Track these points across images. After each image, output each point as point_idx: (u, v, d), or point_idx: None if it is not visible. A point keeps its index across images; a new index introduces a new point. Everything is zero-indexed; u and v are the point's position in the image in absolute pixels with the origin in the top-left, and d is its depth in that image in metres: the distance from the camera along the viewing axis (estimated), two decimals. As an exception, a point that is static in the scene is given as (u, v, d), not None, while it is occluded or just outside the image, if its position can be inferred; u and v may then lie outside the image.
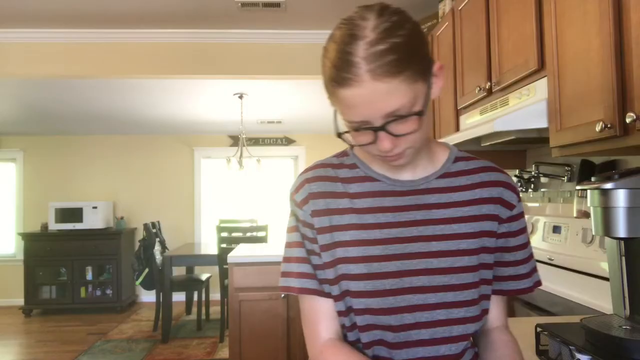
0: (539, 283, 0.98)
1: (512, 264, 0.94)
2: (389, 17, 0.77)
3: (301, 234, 0.91)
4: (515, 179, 2.30)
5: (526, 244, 0.95)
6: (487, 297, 0.90)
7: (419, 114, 0.77)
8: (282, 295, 3.09)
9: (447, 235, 0.87)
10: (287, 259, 0.93)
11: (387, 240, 0.86)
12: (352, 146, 0.92)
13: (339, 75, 0.76)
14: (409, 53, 0.75)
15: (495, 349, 0.91)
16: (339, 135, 0.84)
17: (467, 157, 0.95)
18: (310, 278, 0.89)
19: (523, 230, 0.95)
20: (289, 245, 0.93)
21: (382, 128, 0.77)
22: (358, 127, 0.79)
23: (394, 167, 0.87)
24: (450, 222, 0.88)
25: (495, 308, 0.95)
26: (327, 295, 0.88)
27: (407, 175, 0.90)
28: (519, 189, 2.25)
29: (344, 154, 0.96)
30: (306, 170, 0.94)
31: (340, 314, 0.88)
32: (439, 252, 0.86)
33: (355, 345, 0.88)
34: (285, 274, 0.92)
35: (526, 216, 2.19)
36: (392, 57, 0.73)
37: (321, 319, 0.89)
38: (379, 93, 0.74)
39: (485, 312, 0.90)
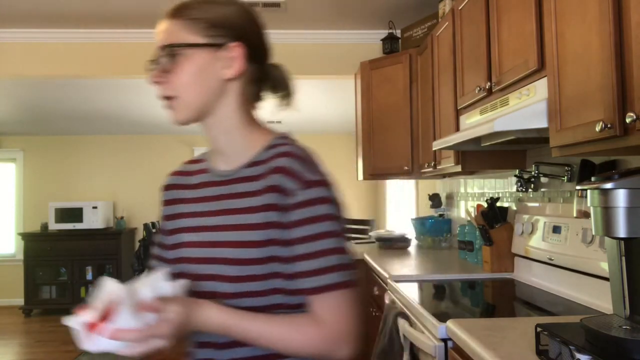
0: (329, 287, 0.82)
1: (294, 259, 0.84)
2: None
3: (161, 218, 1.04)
4: (515, 179, 2.30)
5: (310, 238, 0.83)
6: (283, 292, 0.85)
7: (177, 50, 0.85)
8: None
9: (240, 225, 0.87)
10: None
11: (194, 229, 0.93)
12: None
13: (166, 11, 0.89)
14: (198, 5, 0.88)
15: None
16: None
17: (283, 144, 0.91)
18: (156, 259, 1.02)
19: (306, 221, 0.83)
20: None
21: (155, 59, 0.87)
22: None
23: (171, 116, 0.90)
24: (243, 212, 0.87)
25: (314, 310, 0.85)
26: None
27: (222, 166, 0.95)
28: (520, 188, 2.25)
29: (204, 155, 1.04)
30: (172, 173, 1.07)
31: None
32: (233, 242, 0.87)
33: None
34: None
35: (526, 216, 2.19)
36: (183, 3, 0.88)
37: None
38: (163, 28, 0.88)
39: (278, 306, 0.85)
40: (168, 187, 1.03)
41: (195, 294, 0.87)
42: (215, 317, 0.82)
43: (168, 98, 0.88)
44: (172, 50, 0.85)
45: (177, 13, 0.87)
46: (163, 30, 0.88)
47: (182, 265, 0.93)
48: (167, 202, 1.02)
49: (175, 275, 0.90)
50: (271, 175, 0.86)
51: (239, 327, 0.82)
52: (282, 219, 0.85)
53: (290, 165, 0.86)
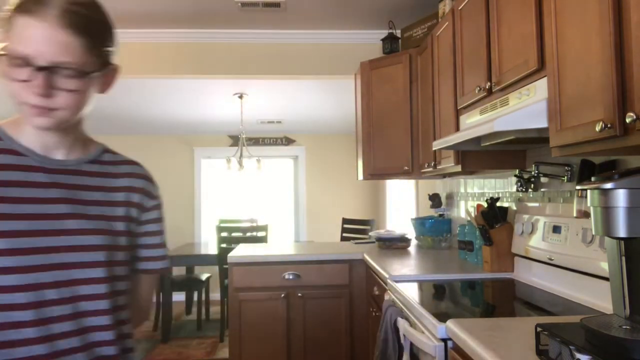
0: (165, 270, 1.09)
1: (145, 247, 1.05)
2: (94, 1, 0.91)
3: None
4: (515, 179, 2.30)
5: (161, 232, 1.07)
6: (119, 279, 0.96)
7: (83, 76, 0.84)
8: (282, 294, 3.09)
9: (99, 215, 0.93)
10: None
11: (35, 216, 0.86)
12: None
13: (28, 3, 0.81)
14: (97, 27, 0.88)
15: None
16: None
17: (114, 152, 1.05)
18: None
19: (158, 220, 1.07)
20: None
21: (47, 69, 0.81)
22: (21, 62, 0.80)
23: (38, 125, 0.86)
24: (102, 204, 0.95)
25: (142, 285, 1.08)
26: None
27: (59, 155, 0.93)
28: (520, 188, 2.26)
29: None
30: None
31: None
32: (91, 230, 0.90)
33: None
34: None
35: (526, 216, 2.19)
36: (82, 18, 0.84)
37: None
38: (59, 38, 0.81)
39: (116, 293, 0.94)
40: None
41: (35, 286, 0.84)
42: None
43: (47, 108, 0.85)
44: (73, 73, 0.85)
45: (78, 30, 0.85)
46: (60, 43, 0.83)
47: (8, 259, 0.83)
48: None
49: None
50: (139, 179, 1.04)
51: None
52: (140, 215, 1.02)
53: (149, 174, 1.09)
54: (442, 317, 1.54)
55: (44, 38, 0.80)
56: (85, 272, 0.89)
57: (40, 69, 0.81)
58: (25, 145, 0.90)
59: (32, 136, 0.90)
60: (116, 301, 0.95)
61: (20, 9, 0.81)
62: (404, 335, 1.77)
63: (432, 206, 3.48)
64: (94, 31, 0.87)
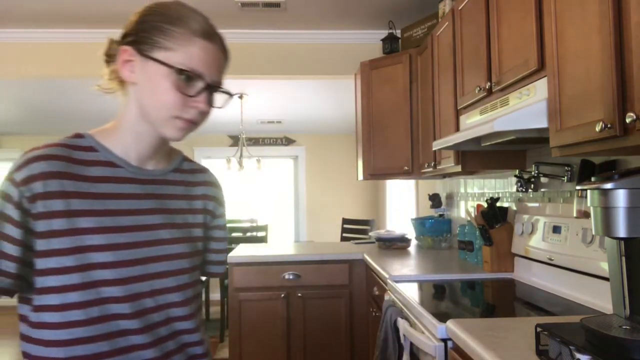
0: (222, 274, 1.18)
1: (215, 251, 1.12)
2: None
3: (2, 220, 0.83)
4: (515, 179, 2.30)
5: (225, 239, 1.14)
6: (198, 283, 1.04)
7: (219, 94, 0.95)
8: (282, 295, 3.09)
9: (183, 224, 0.98)
10: None
11: (133, 228, 0.89)
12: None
13: (202, 27, 0.90)
14: None
15: None
16: (154, 59, 0.87)
17: (190, 160, 1.10)
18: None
19: (224, 227, 1.13)
20: None
21: (215, 89, 0.92)
22: (194, 78, 0.88)
23: (176, 138, 0.92)
24: (186, 212, 1.00)
25: None
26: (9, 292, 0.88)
27: (150, 165, 0.97)
28: (520, 188, 2.26)
29: (77, 135, 0.93)
30: (34, 149, 0.87)
31: (76, 306, 0.84)
32: (178, 238, 0.95)
33: (89, 339, 0.85)
34: None
35: (526, 216, 2.19)
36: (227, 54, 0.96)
37: None
38: (221, 63, 0.93)
39: (196, 297, 1.01)
40: (53, 175, 0.84)
41: (136, 296, 0.89)
42: None
43: (195, 122, 0.92)
44: (220, 93, 0.95)
45: (227, 60, 0.97)
46: (221, 67, 0.94)
47: (97, 272, 0.84)
48: (56, 194, 0.84)
49: (87, 285, 0.84)
50: (212, 187, 1.09)
51: None
52: (211, 221, 1.08)
53: (219, 183, 1.13)
54: (442, 317, 1.54)
55: (215, 61, 0.91)
56: (175, 280, 0.94)
57: (208, 86, 0.90)
58: (120, 156, 0.93)
59: (128, 147, 0.93)
60: (196, 305, 1.01)
61: (201, 34, 0.89)
62: (404, 335, 1.77)
63: (432, 206, 3.48)
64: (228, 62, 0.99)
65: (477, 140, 2.00)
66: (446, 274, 2.33)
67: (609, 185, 1.06)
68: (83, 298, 0.84)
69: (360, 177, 3.47)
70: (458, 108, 2.26)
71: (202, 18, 0.92)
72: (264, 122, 6.20)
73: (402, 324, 1.79)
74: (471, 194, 3.08)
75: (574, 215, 1.81)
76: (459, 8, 2.23)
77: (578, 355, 0.98)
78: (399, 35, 3.41)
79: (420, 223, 3.32)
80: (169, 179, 0.99)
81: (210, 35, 0.91)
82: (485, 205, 2.43)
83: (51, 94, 4.83)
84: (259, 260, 3.13)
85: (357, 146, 3.61)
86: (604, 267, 1.59)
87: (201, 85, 0.89)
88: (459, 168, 2.33)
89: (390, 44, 3.40)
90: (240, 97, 4.94)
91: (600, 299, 1.61)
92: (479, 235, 2.47)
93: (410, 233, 3.46)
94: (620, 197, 1.04)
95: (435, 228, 3.25)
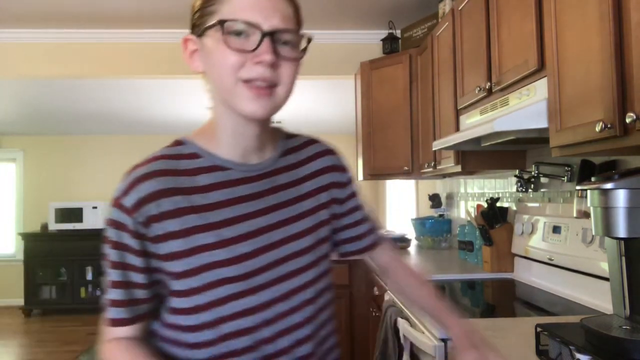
0: (376, 244, 1.04)
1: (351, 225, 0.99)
2: None
3: (121, 250, 0.79)
4: (515, 179, 2.30)
5: (362, 206, 1.01)
6: (326, 274, 0.94)
7: (300, 46, 0.81)
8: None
9: (301, 213, 0.88)
10: (107, 283, 0.82)
11: (253, 234, 0.81)
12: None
13: None
14: (298, 7, 0.84)
15: (396, 276, 1.07)
16: (205, 30, 0.77)
17: (292, 134, 0.97)
18: (127, 305, 0.80)
19: (355, 193, 1.00)
20: (108, 265, 0.81)
21: (272, 34, 0.76)
22: (245, 30, 0.75)
23: (254, 111, 0.78)
24: (299, 200, 0.88)
25: (381, 253, 1.06)
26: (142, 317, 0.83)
27: (254, 159, 0.86)
28: (520, 188, 2.26)
29: (177, 143, 0.87)
30: (136, 167, 0.81)
31: (208, 325, 0.79)
32: (298, 233, 0.86)
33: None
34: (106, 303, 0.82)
35: (526, 216, 2.19)
36: None
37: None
38: (281, 6, 0.78)
39: (327, 288, 0.94)
40: (159, 194, 0.78)
41: (269, 303, 0.82)
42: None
43: (270, 85, 0.78)
44: (296, 40, 0.80)
45: (295, 3, 0.83)
46: (283, 11, 0.79)
47: (226, 287, 0.79)
48: (170, 214, 0.78)
49: (217, 302, 0.79)
50: (325, 157, 0.96)
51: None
52: (338, 194, 0.96)
53: (333, 147, 1.01)
54: (442, 317, 1.54)
55: (268, 5, 0.77)
56: (305, 277, 0.86)
57: (267, 34, 0.75)
58: (224, 157, 0.84)
59: (229, 144, 0.84)
60: (329, 294, 0.94)
61: None
62: (404, 335, 1.77)
63: (432, 206, 3.48)
64: (298, 7, 0.85)
65: (477, 140, 2.00)
66: (446, 274, 2.33)
67: (609, 185, 1.06)
68: (215, 316, 0.79)
69: (360, 177, 3.47)
70: (458, 108, 2.26)
71: None
72: (264, 122, 6.20)
73: (402, 324, 1.79)
74: (471, 194, 3.08)
75: (574, 215, 1.81)
76: (459, 8, 2.22)
77: (578, 355, 0.98)
78: (399, 35, 3.41)
79: (420, 223, 3.32)
80: (279, 166, 0.88)
81: None
82: (485, 205, 2.43)
83: (51, 94, 4.84)
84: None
85: (357, 146, 3.61)
86: (604, 267, 1.59)
87: (258, 35, 0.75)
88: (459, 168, 2.33)
89: (390, 44, 3.40)
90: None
91: (600, 299, 1.61)
92: (479, 235, 2.47)
93: (410, 233, 3.46)
94: (620, 197, 1.04)
95: (435, 228, 3.25)
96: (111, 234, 0.80)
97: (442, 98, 2.51)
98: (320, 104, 5.35)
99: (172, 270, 0.79)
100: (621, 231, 1.05)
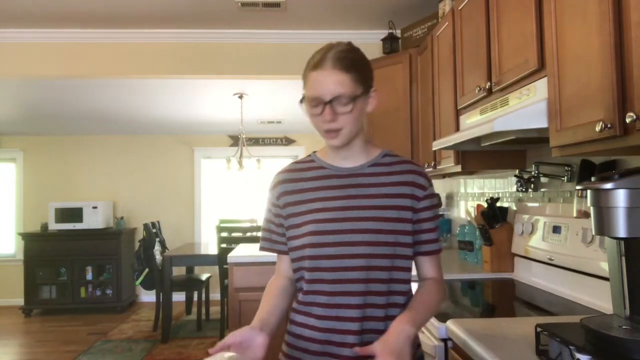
0: (426, 253, 1.30)
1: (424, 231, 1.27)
2: (354, 47, 1.23)
3: (269, 210, 1.33)
4: (515, 179, 2.30)
5: (431, 219, 1.28)
6: (401, 257, 1.22)
7: (354, 100, 1.17)
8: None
9: (374, 206, 1.22)
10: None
11: (333, 208, 1.22)
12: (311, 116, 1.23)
13: (313, 62, 1.19)
14: (359, 65, 1.19)
15: (421, 287, 1.28)
16: (301, 101, 1.22)
17: (394, 155, 1.32)
18: (266, 241, 1.34)
19: (428, 208, 1.27)
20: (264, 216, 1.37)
21: (329, 102, 1.16)
22: (315, 102, 1.17)
23: (335, 149, 1.24)
24: (379, 196, 1.23)
25: (426, 265, 1.30)
26: (280, 251, 1.32)
27: (348, 164, 1.28)
28: (520, 188, 2.26)
29: (308, 155, 1.36)
30: (281, 172, 1.35)
31: (302, 259, 1.24)
32: (369, 217, 1.20)
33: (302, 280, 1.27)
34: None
35: (526, 216, 2.19)
36: (348, 61, 1.17)
37: (279, 264, 1.35)
38: (333, 79, 1.16)
39: (396, 268, 1.22)
40: (285, 181, 1.31)
41: (332, 257, 1.20)
42: (412, 330, 1.10)
43: (335, 130, 1.18)
44: (347, 100, 1.15)
45: (346, 69, 1.16)
46: (336, 81, 1.15)
47: (313, 237, 1.21)
48: (287, 193, 1.29)
49: (304, 246, 1.22)
50: (409, 174, 1.27)
51: (422, 319, 1.18)
52: (414, 204, 1.25)
53: (421, 170, 1.30)
54: (442, 317, 1.54)
55: (326, 81, 1.16)
56: (358, 249, 1.20)
57: (327, 102, 1.15)
58: (328, 162, 1.29)
59: (330, 156, 1.29)
60: (381, 274, 1.21)
61: (310, 68, 1.18)
62: (404, 335, 1.76)
63: (432, 206, 3.48)
64: (357, 67, 1.18)
65: (477, 140, 2.00)
66: (446, 274, 2.32)
67: (608, 185, 1.06)
68: (309, 253, 1.22)
69: (360, 177, 3.47)
70: (458, 108, 2.26)
71: (319, 53, 1.19)
72: (264, 122, 6.20)
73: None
74: (471, 194, 3.08)
75: (574, 215, 1.81)
76: (459, 8, 2.22)
77: (578, 355, 0.98)
78: (399, 35, 3.41)
79: (420, 223, 3.31)
80: (365, 172, 1.26)
81: (318, 64, 1.17)
82: (485, 205, 2.43)
83: (51, 94, 4.84)
84: (259, 260, 3.13)
85: (357, 146, 3.60)
86: (604, 267, 1.59)
87: (321, 105, 1.16)
88: (459, 168, 2.33)
89: (390, 44, 3.40)
90: (240, 97, 4.94)
91: (600, 299, 1.61)
92: (479, 235, 2.47)
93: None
94: (620, 197, 1.04)
95: (435, 228, 3.25)
96: (267, 200, 1.34)
97: (442, 98, 2.51)
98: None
99: (289, 224, 1.28)
100: (621, 231, 1.05)
